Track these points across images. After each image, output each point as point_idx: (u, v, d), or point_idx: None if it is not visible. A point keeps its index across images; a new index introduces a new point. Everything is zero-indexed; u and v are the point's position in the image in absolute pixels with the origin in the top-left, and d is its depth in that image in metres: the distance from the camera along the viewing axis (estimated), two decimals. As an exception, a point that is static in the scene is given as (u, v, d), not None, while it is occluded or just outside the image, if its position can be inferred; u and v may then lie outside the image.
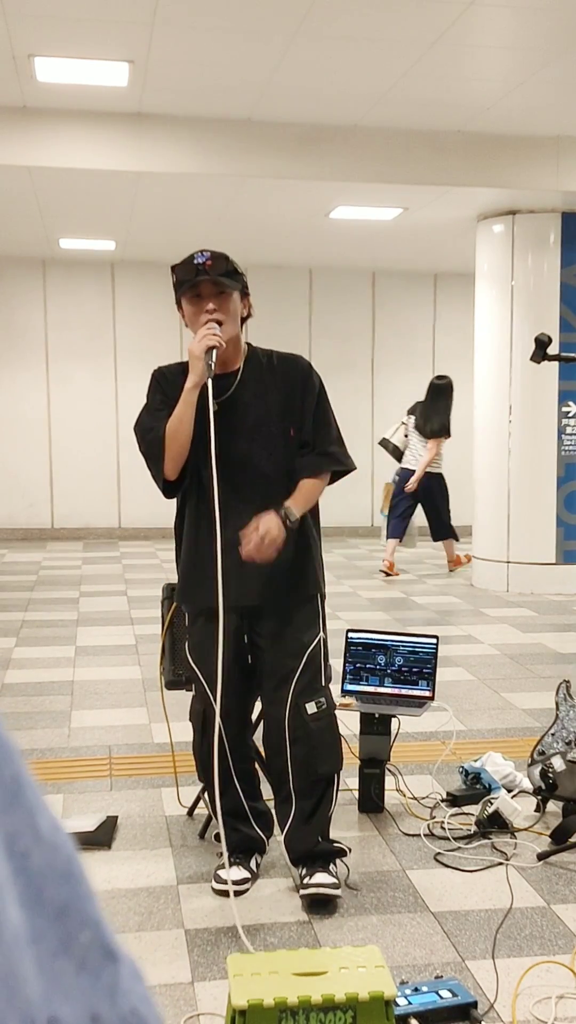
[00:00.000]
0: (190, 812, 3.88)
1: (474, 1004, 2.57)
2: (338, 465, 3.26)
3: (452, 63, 6.42)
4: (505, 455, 9.14)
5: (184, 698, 3.87)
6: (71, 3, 5.61)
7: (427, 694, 3.93)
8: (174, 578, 3.55)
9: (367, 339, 13.23)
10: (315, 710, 3.21)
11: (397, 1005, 2.47)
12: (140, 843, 3.65)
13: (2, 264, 12.43)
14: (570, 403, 9.00)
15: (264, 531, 3.04)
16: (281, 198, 8.78)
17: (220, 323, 3.10)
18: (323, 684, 3.27)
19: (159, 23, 5.84)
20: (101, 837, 3.63)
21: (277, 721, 3.22)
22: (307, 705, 3.20)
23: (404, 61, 6.39)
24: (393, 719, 3.90)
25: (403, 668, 3.95)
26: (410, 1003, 2.52)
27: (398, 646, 3.96)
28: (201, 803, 3.83)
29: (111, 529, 12.92)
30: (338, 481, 3.33)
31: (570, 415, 9.00)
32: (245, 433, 3.17)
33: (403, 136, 7.91)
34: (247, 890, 3.28)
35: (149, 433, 3.19)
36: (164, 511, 12.89)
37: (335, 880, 3.18)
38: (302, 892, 3.16)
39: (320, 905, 3.15)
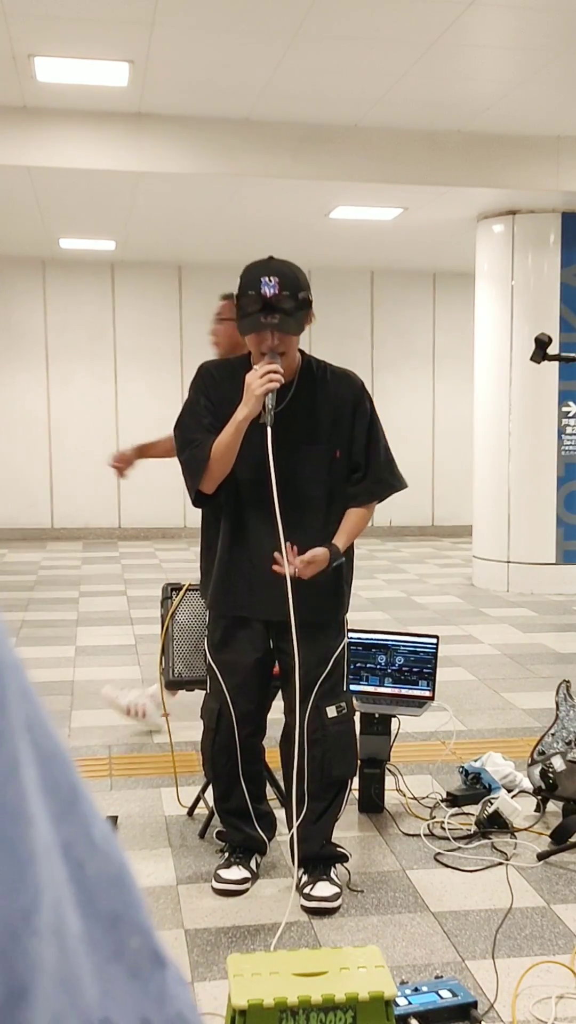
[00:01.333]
0: (190, 812, 3.88)
1: (474, 1004, 2.57)
2: (390, 491, 3.28)
3: (452, 63, 6.42)
4: (505, 455, 9.13)
5: (184, 698, 3.87)
6: (71, 3, 5.61)
7: (427, 694, 3.93)
8: (174, 578, 3.57)
9: (366, 339, 13.24)
10: (335, 714, 3.21)
11: (397, 1005, 2.47)
12: (140, 843, 3.65)
13: (2, 264, 12.42)
14: (570, 403, 9.00)
15: (312, 557, 3.04)
16: (281, 198, 8.77)
17: (282, 353, 3.07)
18: (344, 689, 3.29)
19: (159, 23, 5.84)
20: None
21: (299, 725, 3.21)
22: (328, 708, 3.20)
23: (404, 61, 6.39)
24: (393, 719, 3.89)
25: (403, 668, 3.95)
26: (410, 1003, 2.52)
27: (398, 646, 3.96)
28: (201, 803, 3.83)
29: (111, 529, 12.92)
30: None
31: (570, 415, 9.00)
32: (292, 452, 3.12)
33: (403, 136, 7.91)
34: (247, 890, 3.28)
35: (191, 446, 3.15)
36: (164, 511, 12.95)
37: (336, 889, 3.18)
38: (303, 904, 3.15)
39: (320, 913, 3.14)
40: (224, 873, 3.29)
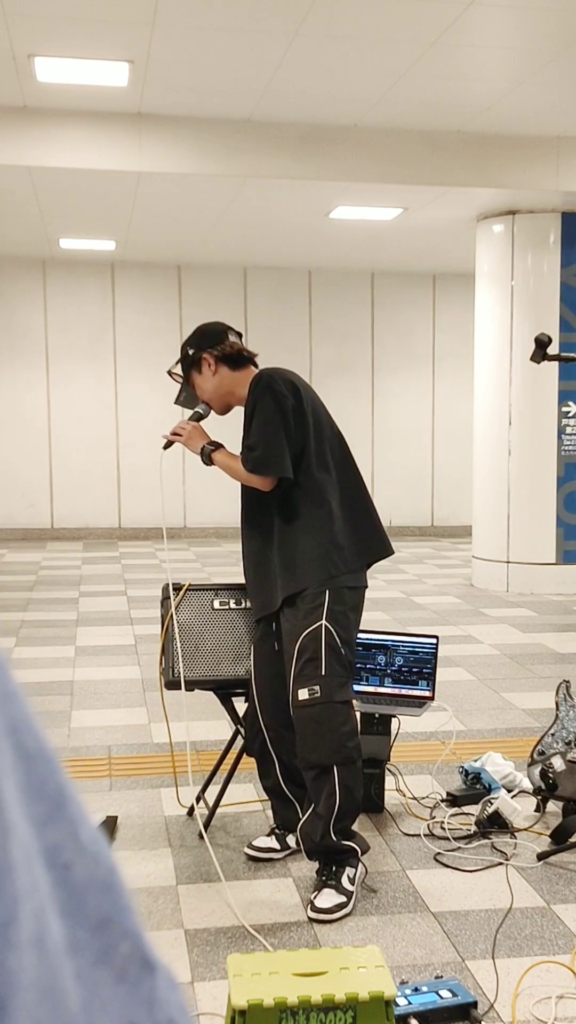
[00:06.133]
0: (190, 812, 3.88)
1: (474, 1004, 2.57)
2: (248, 464, 3.26)
3: (452, 63, 6.42)
4: (505, 455, 9.13)
5: (184, 698, 3.87)
6: (71, 3, 5.61)
7: (427, 694, 3.93)
8: (174, 578, 3.60)
9: (366, 340, 13.23)
10: (306, 696, 3.18)
11: (397, 1005, 2.47)
12: (140, 843, 3.65)
13: (2, 264, 12.43)
14: (570, 403, 9.00)
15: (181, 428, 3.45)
16: (281, 198, 8.78)
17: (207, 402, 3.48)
18: (321, 673, 3.18)
19: (159, 23, 5.84)
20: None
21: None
22: (300, 691, 3.19)
23: (404, 61, 6.39)
24: (393, 719, 3.89)
25: (403, 668, 3.95)
26: (410, 1003, 2.52)
27: (398, 646, 3.96)
28: (200, 803, 3.83)
29: (111, 529, 12.92)
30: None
31: (570, 415, 9.00)
32: None
33: (403, 136, 7.91)
34: (271, 859, 3.46)
35: None
36: (163, 512, 12.88)
37: (341, 899, 3.11)
38: (308, 913, 3.11)
39: (321, 923, 3.09)
40: (256, 841, 3.50)
